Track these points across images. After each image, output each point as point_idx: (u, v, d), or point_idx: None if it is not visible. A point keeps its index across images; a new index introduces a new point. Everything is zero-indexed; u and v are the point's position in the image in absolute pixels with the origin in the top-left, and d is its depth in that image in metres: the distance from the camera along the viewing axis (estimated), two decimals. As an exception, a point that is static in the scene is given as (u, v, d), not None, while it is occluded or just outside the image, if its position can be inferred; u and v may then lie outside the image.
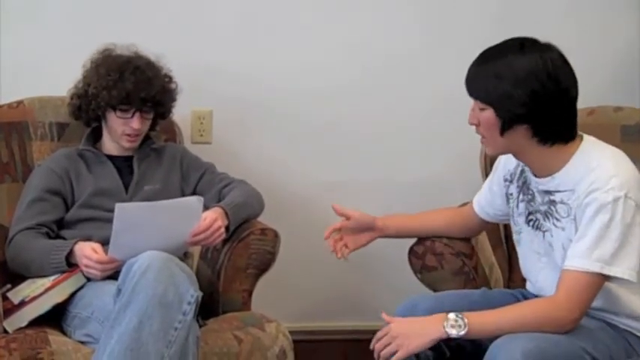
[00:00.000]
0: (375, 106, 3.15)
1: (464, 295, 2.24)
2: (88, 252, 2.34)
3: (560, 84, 2.00)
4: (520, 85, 1.99)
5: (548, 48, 2.04)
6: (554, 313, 1.98)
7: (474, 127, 2.13)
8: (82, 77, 2.64)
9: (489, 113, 2.04)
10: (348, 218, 2.46)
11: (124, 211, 2.26)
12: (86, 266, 2.34)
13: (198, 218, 2.39)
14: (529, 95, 1.99)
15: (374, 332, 2.11)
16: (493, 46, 2.08)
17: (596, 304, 2.04)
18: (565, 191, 2.06)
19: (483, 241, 2.58)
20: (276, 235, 2.57)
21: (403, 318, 2.09)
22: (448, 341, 2.05)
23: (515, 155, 2.14)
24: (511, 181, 2.26)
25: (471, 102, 2.11)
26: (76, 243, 2.39)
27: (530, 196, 2.17)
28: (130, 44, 2.64)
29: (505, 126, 2.03)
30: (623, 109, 2.82)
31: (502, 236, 2.74)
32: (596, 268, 1.97)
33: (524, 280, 2.33)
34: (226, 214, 2.49)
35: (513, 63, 2.00)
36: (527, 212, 2.19)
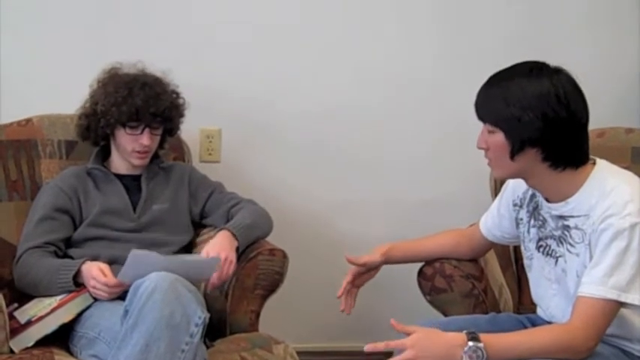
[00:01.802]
0: (384, 127, 3.15)
1: (472, 321, 2.22)
2: (95, 273, 2.33)
3: (570, 108, 1.98)
4: (530, 108, 1.97)
5: (557, 72, 2.02)
6: (569, 340, 1.95)
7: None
8: (89, 97, 2.64)
9: (499, 137, 2.03)
10: (362, 265, 2.44)
11: (138, 258, 2.24)
12: (93, 287, 2.34)
13: (211, 273, 2.38)
14: (540, 119, 1.97)
15: (382, 353, 2.08)
16: (502, 70, 2.07)
17: (610, 330, 2.01)
18: (579, 216, 2.04)
19: (493, 263, 2.56)
20: (284, 255, 2.56)
21: (420, 335, 1.97)
22: None
23: (525, 179, 2.12)
24: (521, 206, 2.24)
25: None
26: (83, 263, 2.38)
27: (541, 222, 2.15)
28: (136, 62, 2.64)
29: (515, 149, 2.01)
30: (634, 131, 2.81)
31: (512, 258, 2.73)
32: (613, 295, 1.95)
33: (533, 303, 2.31)
34: (234, 235, 2.48)
35: (523, 87, 1.99)
36: (537, 238, 2.17)
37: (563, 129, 1.99)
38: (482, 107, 2.06)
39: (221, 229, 2.51)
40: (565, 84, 2.00)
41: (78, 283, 2.38)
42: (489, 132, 2.05)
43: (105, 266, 2.36)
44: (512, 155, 2.02)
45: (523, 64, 2.05)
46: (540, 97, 1.97)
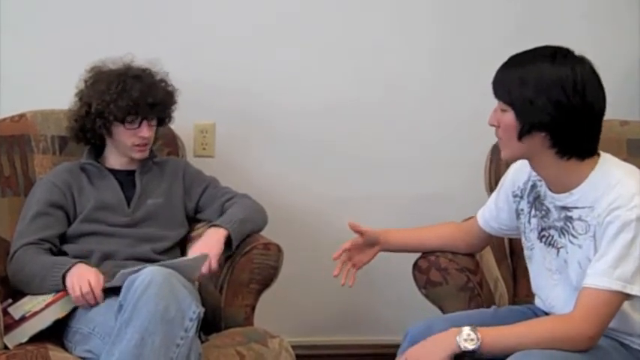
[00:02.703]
0: (381, 123, 3.15)
1: (476, 315, 2.23)
2: (85, 288, 2.30)
3: (586, 99, 1.98)
4: (544, 92, 1.97)
5: (580, 61, 2.02)
6: (571, 331, 1.96)
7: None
8: (77, 99, 2.63)
9: (510, 116, 2.02)
10: (361, 235, 2.44)
11: (124, 277, 2.23)
12: (77, 295, 2.32)
13: (200, 270, 2.40)
14: (552, 104, 1.96)
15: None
16: (526, 50, 2.06)
17: (610, 323, 2.00)
18: (584, 208, 2.04)
19: (488, 257, 2.56)
20: (279, 249, 2.55)
21: (415, 345, 2.05)
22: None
23: (531, 164, 2.11)
24: (521, 197, 2.24)
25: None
26: (75, 264, 2.36)
27: (544, 212, 2.15)
28: (117, 57, 2.63)
29: (524, 131, 2.01)
30: (629, 123, 2.81)
31: (507, 252, 2.72)
32: (618, 286, 1.94)
33: (528, 295, 2.32)
34: (225, 229, 2.49)
35: (542, 70, 1.98)
36: (540, 228, 2.17)
37: (576, 118, 1.98)
38: (499, 85, 2.06)
39: (211, 226, 2.51)
40: (586, 73, 2.00)
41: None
42: (502, 110, 2.05)
43: (96, 282, 2.32)
44: (520, 136, 2.02)
45: (547, 48, 2.05)
46: (557, 82, 1.97)
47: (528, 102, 1.98)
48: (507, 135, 2.05)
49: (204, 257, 2.39)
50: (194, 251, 2.45)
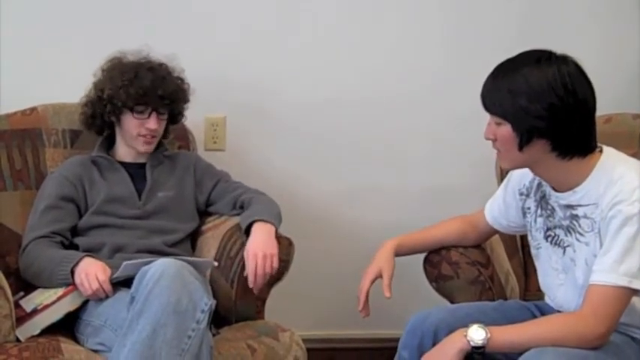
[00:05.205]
0: (388, 115, 3.14)
1: (478, 307, 2.22)
2: (92, 279, 2.31)
3: (578, 97, 1.96)
4: (537, 99, 1.95)
5: (564, 61, 2.00)
6: (580, 328, 1.95)
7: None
8: (92, 85, 2.63)
9: (506, 128, 2.01)
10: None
11: (130, 267, 2.25)
12: (81, 284, 2.33)
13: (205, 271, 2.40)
14: (547, 109, 1.95)
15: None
16: (508, 59, 2.04)
17: (621, 318, 1.99)
18: (588, 205, 2.03)
19: (499, 250, 2.55)
20: (290, 243, 2.55)
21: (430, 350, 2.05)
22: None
23: (532, 169, 2.11)
24: (527, 195, 2.22)
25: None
26: (82, 258, 2.36)
27: (549, 212, 2.14)
28: (138, 49, 2.63)
29: (523, 141, 1.99)
30: (642, 117, 2.80)
31: (518, 245, 2.72)
32: (624, 282, 1.93)
33: (539, 289, 2.30)
34: (272, 223, 2.50)
35: (529, 77, 1.96)
36: (545, 228, 2.16)
37: (571, 118, 1.97)
38: (489, 99, 2.04)
39: (256, 220, 2.49)
40: (571, 72, 1.98)
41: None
42: (497, 123, 2.03)
43: (104, 276, 2.32)
44: (521, 147, 2.01)
45: (529, 54, 2.03)
46: (547, 86, 1.95)
47: (523, 112, 1.97)
48: (506, 147, 2.03)
49: (210, 263, 2.40)
50: (249, 249, 2.43)
